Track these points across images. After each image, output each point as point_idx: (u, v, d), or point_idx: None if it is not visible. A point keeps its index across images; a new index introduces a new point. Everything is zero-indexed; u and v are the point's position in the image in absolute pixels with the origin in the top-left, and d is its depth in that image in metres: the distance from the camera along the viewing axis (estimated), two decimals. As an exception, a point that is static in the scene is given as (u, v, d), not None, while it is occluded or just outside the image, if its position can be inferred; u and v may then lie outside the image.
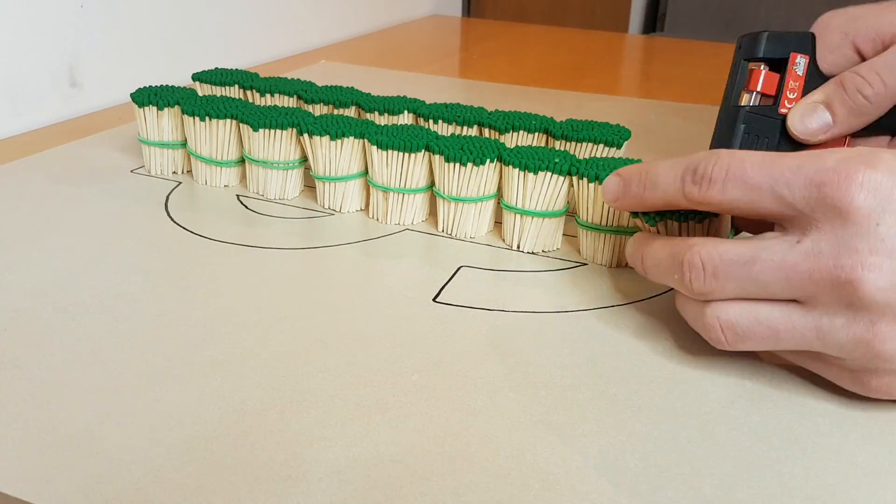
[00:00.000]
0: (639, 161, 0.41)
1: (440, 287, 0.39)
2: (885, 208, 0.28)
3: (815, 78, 0.39)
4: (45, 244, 0.42)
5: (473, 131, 0.49)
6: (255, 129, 0.47)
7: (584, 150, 0.47)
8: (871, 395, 0.31)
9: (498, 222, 0.45)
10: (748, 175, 0.30)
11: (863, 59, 0.40)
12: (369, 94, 0.53)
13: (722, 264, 0.30)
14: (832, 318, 0.29)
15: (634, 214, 0.35)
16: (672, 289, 0.39)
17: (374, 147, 0.44)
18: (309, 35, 0.97)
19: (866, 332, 0.28)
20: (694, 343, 0.35)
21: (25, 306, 0.36)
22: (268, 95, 0.55)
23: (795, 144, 0.39)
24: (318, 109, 0.53)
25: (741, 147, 0.38)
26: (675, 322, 0.36)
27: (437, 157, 0.43)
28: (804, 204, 0.29)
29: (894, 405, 0.31)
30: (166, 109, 0.50)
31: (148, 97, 0.50)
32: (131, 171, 0.53)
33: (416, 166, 0.44)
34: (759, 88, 0.39)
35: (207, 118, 0.48)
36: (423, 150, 0.44)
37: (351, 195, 0.47)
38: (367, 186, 0.47)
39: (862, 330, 0.28)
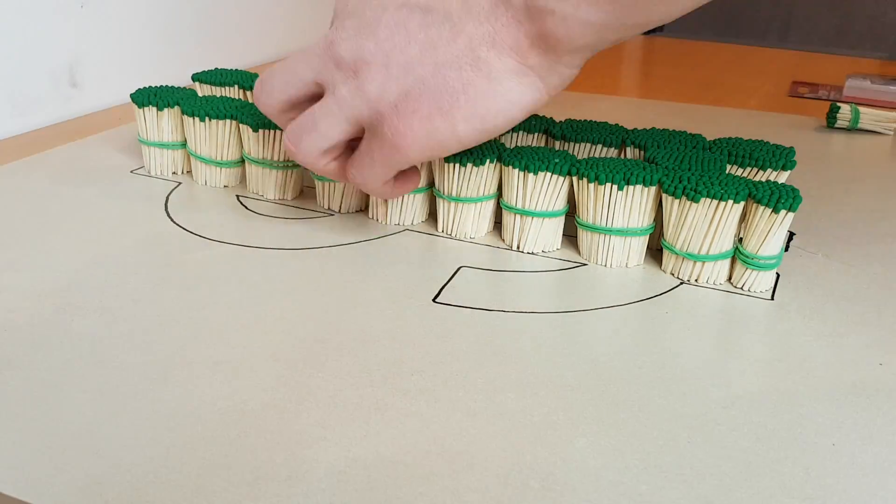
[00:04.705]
0: (639, 161, 0.42)
1: (440, 287, 0.39)
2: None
3: None
4: (45, 244, 0.42)
5: (473, 131, 0.49)
6: (255, 130, 0.47)
7: (583, 151, 0.47)
8: (400, 150, 0.36)
9: (498, 222, 0.45)
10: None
11: None
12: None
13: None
14: (340, 87, 0.36)
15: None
16: (673, 288, 0.39)
17: (374, 147, 0.44)
18: (309, 35, 0.97)
19: (354, 80, 0.36)
20: (694, 343, 0.35)
21: (25, 306, 0.36)
22: (268, 95, 0.54)
23: None
24: (318, 109, 0.53)
25: None
26: (676, 322, 0.36)
27: (436, 157, 0.43)
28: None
29: (894, 405, 0.31)
30: (166, 110, 0.50)
31: (148, 97, 0.50)
32: (131, 172, 0.53)
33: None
34: None
35: (207, 118, 0.48)
36: (422, 151, 0.44)
37: (350, 195, 0.47)
38: (367, 186, 0.47)
39: (351, 82, 0.36)
